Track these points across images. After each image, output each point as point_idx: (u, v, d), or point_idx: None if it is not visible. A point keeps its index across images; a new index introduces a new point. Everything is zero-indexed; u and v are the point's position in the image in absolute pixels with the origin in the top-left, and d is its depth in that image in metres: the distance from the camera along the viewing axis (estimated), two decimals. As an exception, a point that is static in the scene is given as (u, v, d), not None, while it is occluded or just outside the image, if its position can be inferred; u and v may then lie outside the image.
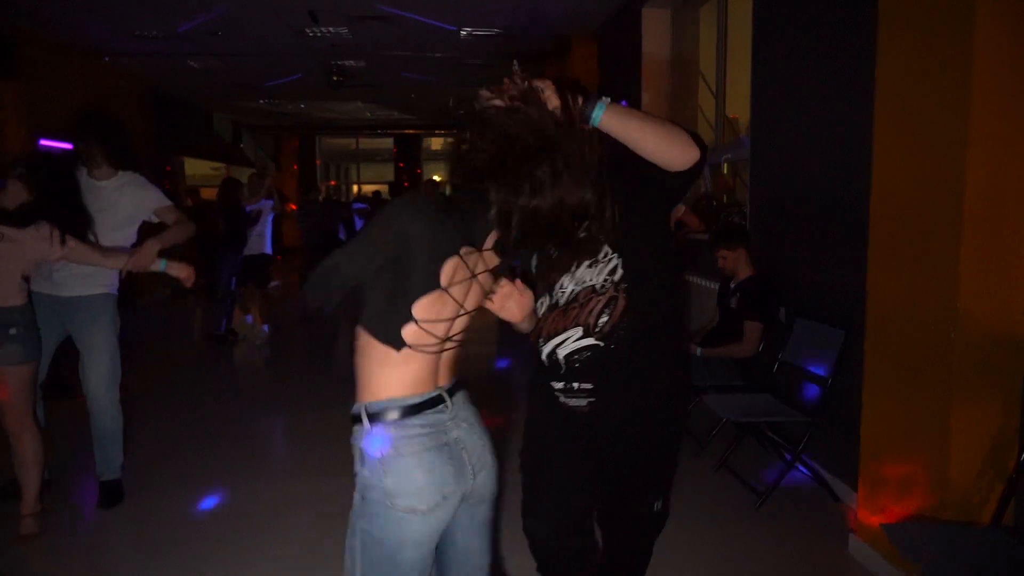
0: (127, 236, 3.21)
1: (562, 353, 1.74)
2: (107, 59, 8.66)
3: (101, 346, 3.12)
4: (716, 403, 3.40)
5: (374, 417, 1.37)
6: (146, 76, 9.79)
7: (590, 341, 1.71)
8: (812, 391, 3.34)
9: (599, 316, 1.70)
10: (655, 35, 6.31)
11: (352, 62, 9.11)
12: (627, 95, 6.62)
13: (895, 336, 2.55)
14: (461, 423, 1.46)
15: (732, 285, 3.91)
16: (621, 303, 1.69)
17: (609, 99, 1.45)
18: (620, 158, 1.53)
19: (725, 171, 6.35)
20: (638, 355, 1.72)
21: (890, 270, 2.55)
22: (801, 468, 3.33)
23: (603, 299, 1.70)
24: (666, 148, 1.49)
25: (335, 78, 8.90)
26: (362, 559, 1.40)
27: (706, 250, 4.44)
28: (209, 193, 10.88)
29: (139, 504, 3.24)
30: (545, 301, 1.78)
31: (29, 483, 2.93)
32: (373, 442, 1.37)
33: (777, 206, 3.96)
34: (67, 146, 3.24)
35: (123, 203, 3.14)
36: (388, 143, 17.61)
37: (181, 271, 2.93)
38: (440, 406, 1.43)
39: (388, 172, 17.75)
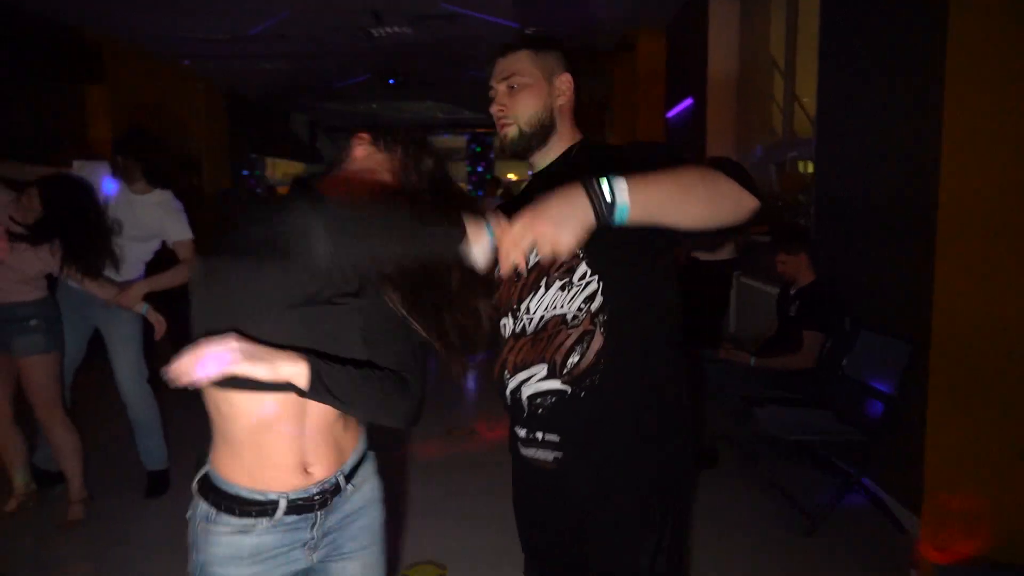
0: (146, 250, 3.25)
1: (526, 393, 1.42)
2: (187, 63, 9.03)
3: (124, 340, 3.17)
4: (769, 419, 3.17)
5: None
6: (224, 78, 10.16)
7: (556, 384, 1.37)
8: (875, 408, 3.07)
9: (568, 354, 1.36)
10: (723, 29, 6.08)
11: (419, 61, 9.15)
12: (695, 93, 6.38)
13: (963, 352, 2.30)
14: None
15: (792, 292, 3.67)
16: (598, 340, 1.34)
17: (624, 184, 1.06)
18: (624, 159, 1.27)
19: (811, 169, 5.97)
20: (616, 410, 1.36)
21: (959, 279, 2.30)
22: (860, 491, 3.07)
23: (575, 333, 1.35)
24: (716, 213, 1.17)
25: (392, 79, 8.96)
26: None
27: (767, 252, 4.19)
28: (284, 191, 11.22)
29: (173, 494, 3.28)
30: (508, 325, 1.45)
31: (71, 472, 3.02)
32: None
33: (842, 208, 3.68)
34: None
35: (149, 220, 3.16)
36: (461, 142, 17.71)
37: (157, 323, 2.96)
38: None
39: (460, 171, 17.86)
